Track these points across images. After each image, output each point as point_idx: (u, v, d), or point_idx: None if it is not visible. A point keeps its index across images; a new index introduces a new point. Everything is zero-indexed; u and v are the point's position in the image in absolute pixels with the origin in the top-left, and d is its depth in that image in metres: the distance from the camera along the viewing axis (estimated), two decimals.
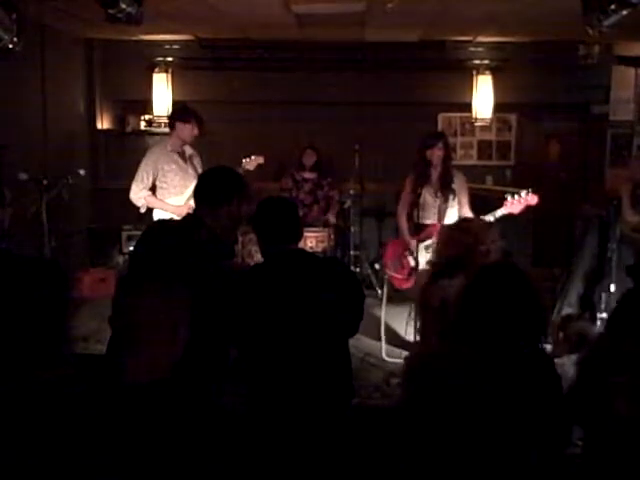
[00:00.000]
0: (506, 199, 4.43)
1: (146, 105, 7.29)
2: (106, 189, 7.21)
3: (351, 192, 6.76)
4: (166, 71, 7.28)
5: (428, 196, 4.85)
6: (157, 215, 4.96)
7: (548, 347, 4.28)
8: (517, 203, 4.41)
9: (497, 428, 1.93)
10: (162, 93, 7.27)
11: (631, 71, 6.55)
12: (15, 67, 5.32)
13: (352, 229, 6.90)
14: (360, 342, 4.92)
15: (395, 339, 5.11)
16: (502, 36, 6.95)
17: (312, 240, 6.01)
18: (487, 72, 7.24)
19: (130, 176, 5.03)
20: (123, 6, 3.76)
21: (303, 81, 7.18)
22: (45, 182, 5.18)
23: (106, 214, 7.07)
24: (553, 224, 6.98)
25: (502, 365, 1.98)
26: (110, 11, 3.79)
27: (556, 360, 3.01)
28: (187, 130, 4.96)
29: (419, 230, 4.83)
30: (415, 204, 4.82)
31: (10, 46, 3.88)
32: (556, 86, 7.16)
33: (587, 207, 6.08)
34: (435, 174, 4.85)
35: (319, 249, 5.99)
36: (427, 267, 4.43)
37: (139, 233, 2.51)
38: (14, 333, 1.80)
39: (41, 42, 5.88)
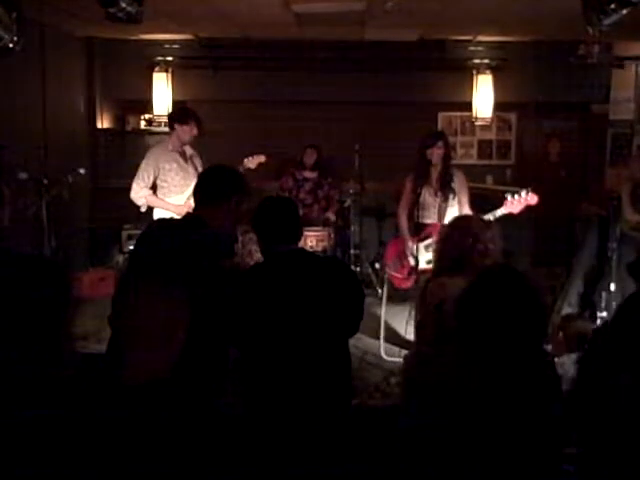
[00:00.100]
0: (506, 199, 4.43)
1: (146, 104, 7.29)
2: (106, 188, 7.21)
3: (351, 192, 6.76)
4: (166, 71, 7.28)
5: (428, 196, 4.84)
6: (158, 214, 4.96)
7: (548, 347, 4.27)
8: (517, 203, 4.41)
9: (497, 429, 1.93)
10: (162, 92, 7.27)
11: (631, 71, 6.54)
12: (15, 67, 5.32)
13: (352, 228, 6.90)
14: (360, 341, 4.92)
15: (395, 338, 5.11)
16: (502, 35, 6.95)
17: (312, 239, 6.01)
18: (487, 71, 7.25)
19: (130, 175, 5.04)
20: (123, 5, 3.75)
21: (303, 81, 7.18)
22: (45, 182, 5.18)
23: (106, 214, 7.07)
24: (553, 224, 6.99)
25: (502, 367, 1.98)
26: (110, 10, 3.79)
27: (556, 360, 3.02)
28: (186, 131, 4.96)
29: (419, 230, 4.83)
30: (415, 204, 4.82)
31: (10, 46, 3.87)
32: (556, 86, 7.16)
33: (587, 206, 6.07)
34: (435, 173, 4.85)
35: (319, 248, 5.99)
36: (427, 266, 4.45)
37: (139, 232, 2.51)
38: (14, 333, 1.80)
39: (41, 42, 5.88)
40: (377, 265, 6.64)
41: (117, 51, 7.23)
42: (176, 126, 4.98)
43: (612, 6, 3.57)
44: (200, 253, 2.42)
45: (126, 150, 7.30)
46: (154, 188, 5.02)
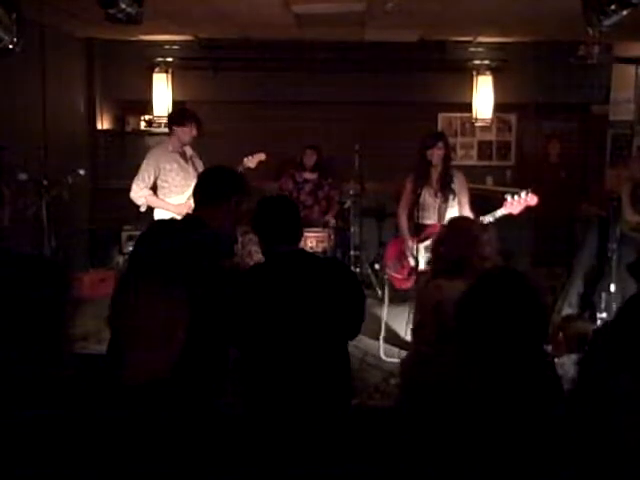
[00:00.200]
0: (506, 199, 4.44)
1: (146, 105, 7.29)
2: (106, 189, 7.21)
3: (351, 192, 6.75)
4: (166, 71, 7.29)
5: (428, 196, 4.85)
6: (158, 215, 4.96)
7: (548, 347, 4.27)
8: (517, 203, 4.41)
9: (496, 429, 1.93)
10: (162, 93, 7.28)
11: (631, 71, 6.55)
12: (15, 67, 5.32)
13: (352, 229, 6.89)
14: (360, 342, 4.92)
15: (395, 339, 5.11)
16: (502, 36, 6.95)
17: (312, 240, 6.00)
18: (487, 72, 7.25)
19: (130, 176, 5.04)
20: (123, 6, 3.75)
21: (303, 81, 7.18)
22: (45, 182, 5.18)
23: (106, 214, 7.07)
24: (553, 224, 6.99)
25: (502, 367, 1.98)
26: (110, 11, 3.79)
27: (556, 360, 3.02)
28: (186, 132, 4.96)
29: (419, 230, 4.83)
30: (415, 204, 4.82)
31: (10, 46, 3.87)
32: (556, 86, 7.17)
33: (587, 207, 6.07)
34: (435, 174, 4.85)
35: (319, 249, 5.99)
36: (427, 267, 4.44)
37: (139, 233, 2.52)
38: (14, 333, 1.80)
39: (41, 42, 5.88)
40: (377, 266, 6.64)
41: (117, 52, 7.24)
42: (175, 127, 4.99)
43: (612, 7, 3.57)
44: (200, 253, 2.42)
45: (126, 151, 7.30)
46: (154, 189, 5.02)
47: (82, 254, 7.08)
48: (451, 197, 4.82)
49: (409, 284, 4.87)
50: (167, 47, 7.30)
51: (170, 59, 7.30)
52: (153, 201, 4.99)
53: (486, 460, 1.93)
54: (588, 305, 5.26)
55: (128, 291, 1.71)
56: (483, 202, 5.03)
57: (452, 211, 4.81)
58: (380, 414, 3.60)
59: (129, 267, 2.42)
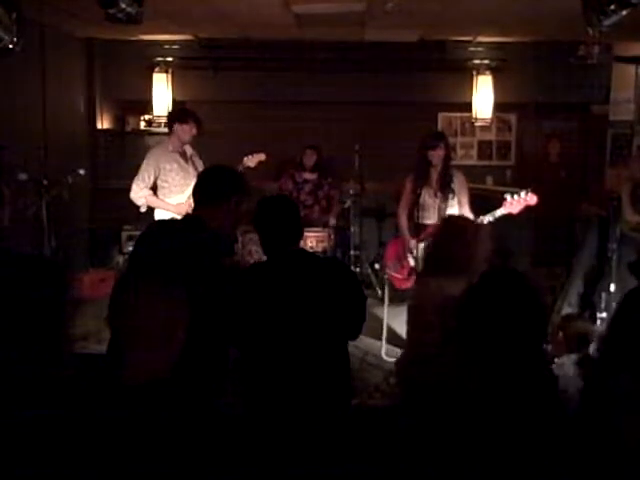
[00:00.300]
0: (505, 199, 4.44)
1: (146, 105, 7.29)
2: (106, 189, 7.21)
3: (351, 192, 6.75)
4: (166, 71, 7.29)
5: (428, 196, 4.85)
6: (158, 215, 4.96)
7: (548, 347, 4.27)
8: (516, 203, 4.41)
9: (496, 429, 1.93)
10: (162, 93, 7.28)
11: (631, 71, 6.55)
12: (15, 67, 5.32)
13: (352, 229, 6.89)
14: (360, 342, 4.92)
15: (395, 339, 5.11)
16: (502, 36, 6.95)
17: (312, 240, 6.00)
18: (487, 72, 7.25)
19: (130, 176, 5.04)
20: (123, 6, 3.75)
21: (303, 81, 7.19)
22: (45, 182, 5.18)
23: (106, 214, 7.07)
24: (553, 224, 6.99)
25: (502, 367, 1.98)
26: (110, 11, 3.78)
27: (556, 360, 3.01)
28: (186, 131, 4.97)
29: (419, 230, 4.84)
30: (415, 204, 4.83)
31: (10, 46, 3.87)
32: (556, 86, 7.17)
33: (587, 207, 6.07)
34: (435, 174, 4.85)
35: (319, 249, 5.99)
36: None
37: (139, 233, 2.52)
38: (14, 333, 1.80)
39: (41, 42, 5.88)
40: (377, 266, 6.64)
41: (117, 52, 7.24)
42: (175, 126, 4.99)
43: (612, 7, 3.57)
44: (200, 253, 2.42)
45: (126, 151, 7.30)
46: (155, 188, 5.02)
47: (82, 254, 7.08)
48: (451, 197, 4.82)
49: (409, 284, 4.87)
50: (167, 47, 7.30)
51: (170, 59, 7.30)
52: (153, 201, 4.99)
53: (486, 460, 1.93)
54: (588, 305, 5.26)
55: (128, 291, 1.71)
56: (483, 202, 5.03)
57: (452, 211, 4.81)
58: (380, 414, 3.60)
59: (129, 267, 2.42)
